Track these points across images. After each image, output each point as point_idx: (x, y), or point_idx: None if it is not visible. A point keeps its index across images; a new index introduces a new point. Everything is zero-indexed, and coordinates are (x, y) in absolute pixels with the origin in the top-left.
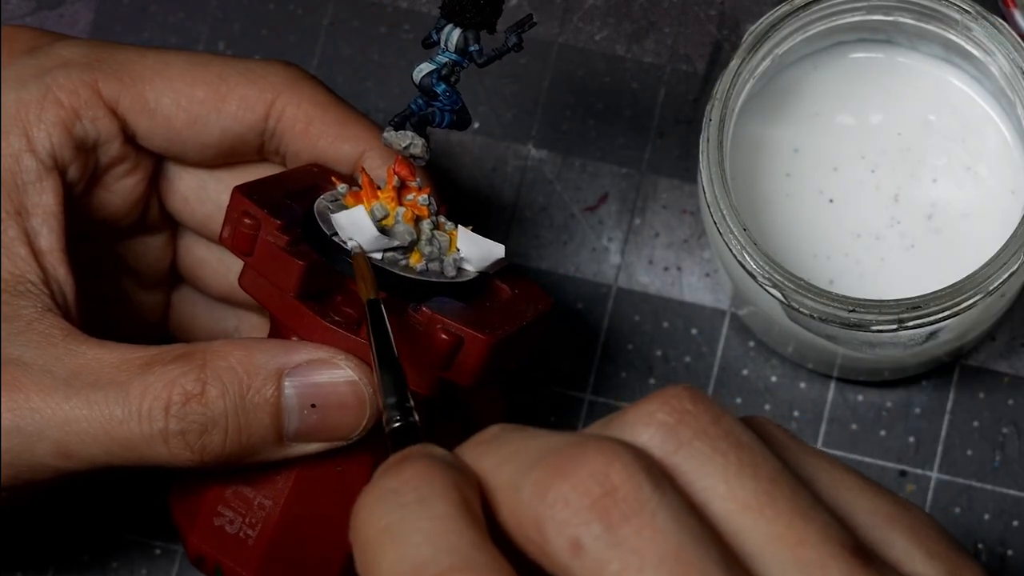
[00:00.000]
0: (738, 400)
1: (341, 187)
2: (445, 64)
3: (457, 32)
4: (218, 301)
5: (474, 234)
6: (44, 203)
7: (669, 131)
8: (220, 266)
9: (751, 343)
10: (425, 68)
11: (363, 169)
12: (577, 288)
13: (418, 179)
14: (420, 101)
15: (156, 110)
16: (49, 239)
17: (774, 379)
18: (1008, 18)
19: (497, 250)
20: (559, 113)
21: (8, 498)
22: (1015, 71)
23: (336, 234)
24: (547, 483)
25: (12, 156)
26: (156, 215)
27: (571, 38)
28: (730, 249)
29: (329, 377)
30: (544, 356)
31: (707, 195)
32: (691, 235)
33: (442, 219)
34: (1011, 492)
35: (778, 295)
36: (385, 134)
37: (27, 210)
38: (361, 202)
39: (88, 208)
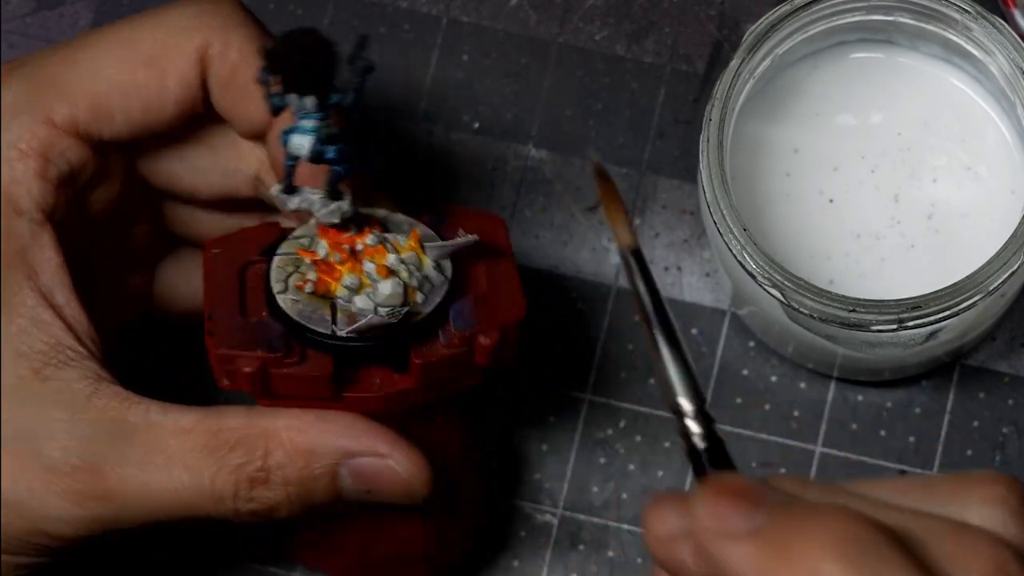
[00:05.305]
0: (738, 400)
1: (307, 287)
2: (318, 128)
3: (309, 97)
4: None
5: (431, 243)
6: (47, 258)
7: (669, 131)
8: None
9: (751, 343)
10: (303, 141)
11: (316, 261)
12: (577, 288)
13: (347, 200)
14: (290, 164)
15: (111, 111)
16: (63, 292)
17: (774, 379)
18: (1008, 18)
19: (464, 240)
20: (559, 113)
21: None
22: (1015, 71)
23: (332, 325)
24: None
25: (4, 226)
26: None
27: (571, 38)
28: (730, 249)
29: (383, 470)
30: (544, 356)
31: (707, 195)
32: (691, 235)
33: (392, 237)
34: None
35: (778, 295)
36: (302, 204)
37: (35, 271)
38: (328, 287)
39: (72, 224)
